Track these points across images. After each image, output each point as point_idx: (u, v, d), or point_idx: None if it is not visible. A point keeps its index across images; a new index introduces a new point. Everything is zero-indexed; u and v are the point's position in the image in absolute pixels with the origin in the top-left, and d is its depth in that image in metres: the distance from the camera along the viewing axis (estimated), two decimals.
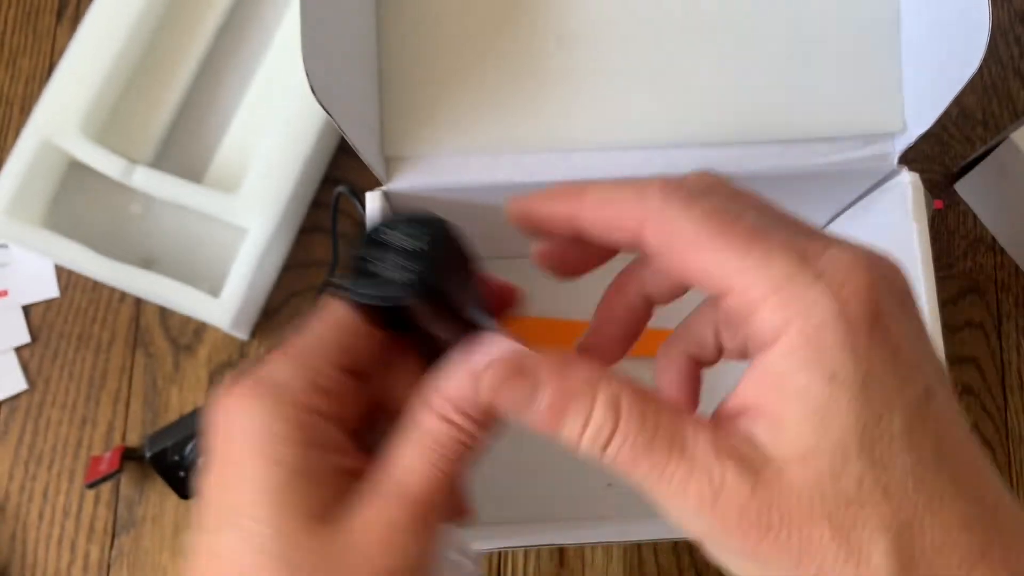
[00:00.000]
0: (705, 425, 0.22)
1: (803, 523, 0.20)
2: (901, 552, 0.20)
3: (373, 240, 0.23)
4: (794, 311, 0.21)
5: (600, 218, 0.25)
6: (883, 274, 0.22)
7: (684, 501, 0.21)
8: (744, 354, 0.26)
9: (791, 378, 0.21)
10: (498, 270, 0.58)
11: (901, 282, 0.23)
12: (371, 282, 0.23)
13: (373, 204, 0.44)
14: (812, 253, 0.22)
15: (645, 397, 0.22)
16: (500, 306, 0.28)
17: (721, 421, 0.22)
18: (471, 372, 0.24)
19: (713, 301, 0.27)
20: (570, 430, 0.23)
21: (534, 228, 0.27)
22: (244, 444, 0.23)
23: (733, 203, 0.24)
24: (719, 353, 0.28)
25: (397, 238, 0.23)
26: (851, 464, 0.20)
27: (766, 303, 0.21)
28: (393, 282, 0.23)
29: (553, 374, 0.23)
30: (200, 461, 0.30)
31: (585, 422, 0.22)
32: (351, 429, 0.25)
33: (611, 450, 0.22)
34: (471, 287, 0.25)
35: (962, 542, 0.20)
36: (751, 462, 0.21)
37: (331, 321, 0.25)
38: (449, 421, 0.24)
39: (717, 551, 0.22)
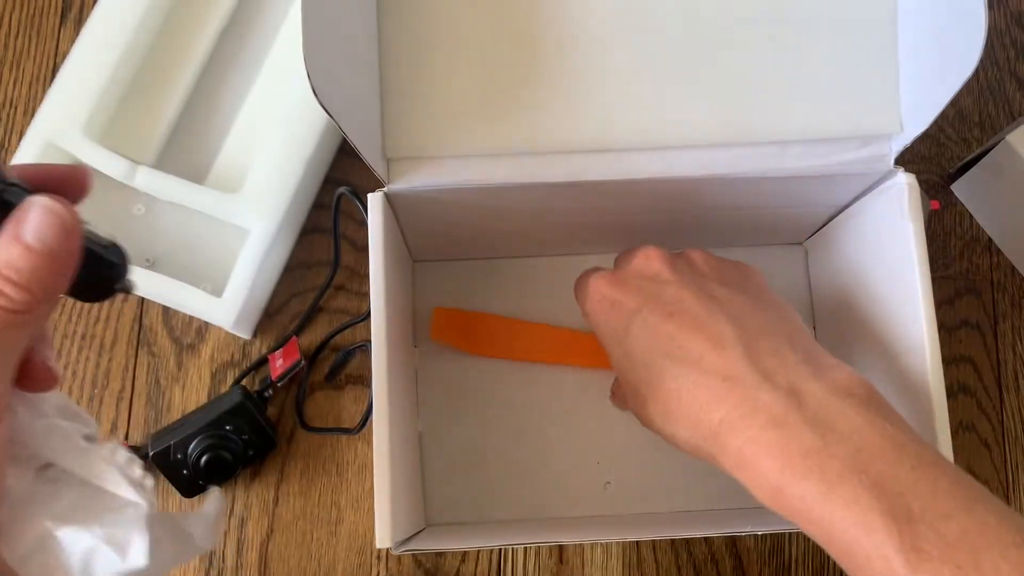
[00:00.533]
0: None
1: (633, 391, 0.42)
2: (656, 405, 0.39)
3: None
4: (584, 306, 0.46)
5: None
6: (618, 274, 0.44)
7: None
8: None
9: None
10: (499, 269, 0.59)
11: (637, 267, 0.44)
12: None
13: (375, 205, 0.44)
14: (586, 278, 0.46)
15: None
16: (65, 192, 0.28)
17: None
18: (11, 233, 0.25)
19: None
20: None
21: None
22: None
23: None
24: None
25: None
26: (622, 364, 0.42)
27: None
28: None
29: None
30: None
31: None
32: None
33: None
34: None
35: (684, 384, 0.38)
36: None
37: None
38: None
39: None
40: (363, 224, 0.60)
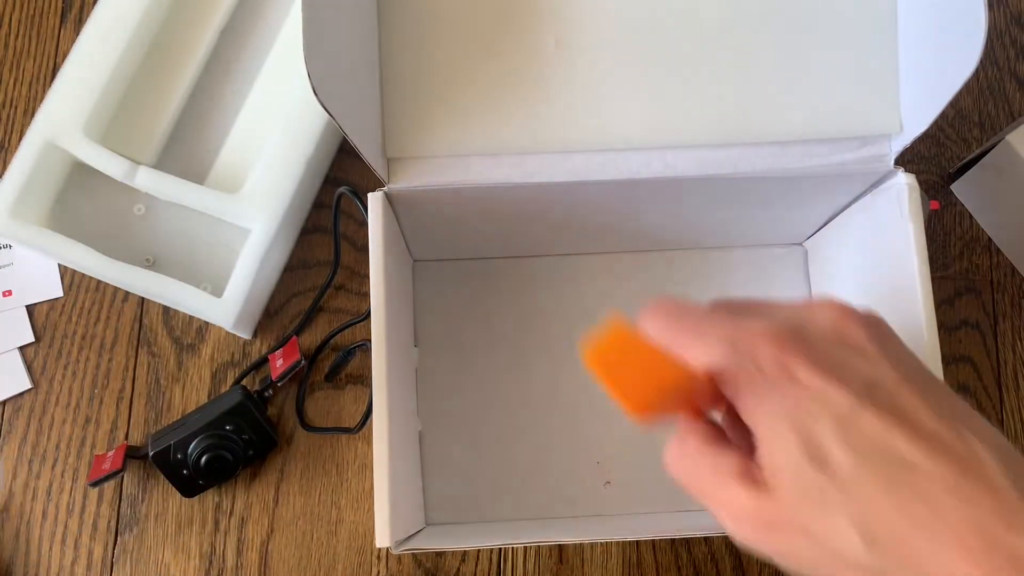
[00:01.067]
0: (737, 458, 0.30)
1: (794, 511, 0.28)
2: (863, 519, 0.27)
3: None
4: (731, 370, 0.29)
5: None
6: (794, 329, 0.29)
7: (722, 496, 0.29)
8: None
9: (751, 421, 0.29)
10: (499, 269, 0.59)
11: (823, 323, 0.30)
12: None
13: (375, 205, 0.44)
14: (736, 331, 0.30)
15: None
16: None
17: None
18: None
19: None
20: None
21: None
22: None
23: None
24: None
25: None
26: (807, 469, 0.27)
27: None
28: None
29: None
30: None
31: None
32: None
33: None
34: None
35: (915, 509, 0.26)
36: (755, 471, 0.29)
37: None
38: None
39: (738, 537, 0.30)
40: (363, 224, 0.60)
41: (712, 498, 0.30)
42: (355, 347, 0.58)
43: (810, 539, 0.27)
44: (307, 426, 0.57)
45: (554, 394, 0.56)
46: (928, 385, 0.29)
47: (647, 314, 0.31)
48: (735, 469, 0.29)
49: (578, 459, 0.55)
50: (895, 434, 0.27)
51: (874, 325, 0.30)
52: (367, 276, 0.59)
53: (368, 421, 0.56)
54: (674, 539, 0.56)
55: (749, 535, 0.29)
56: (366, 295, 0.59)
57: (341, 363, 0.58)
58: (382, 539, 0.40)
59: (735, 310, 0.31)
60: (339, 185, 0.60)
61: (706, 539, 0.56)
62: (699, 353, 0.30)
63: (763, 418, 0.28)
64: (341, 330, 0.58)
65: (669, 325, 0.31)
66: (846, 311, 0.30)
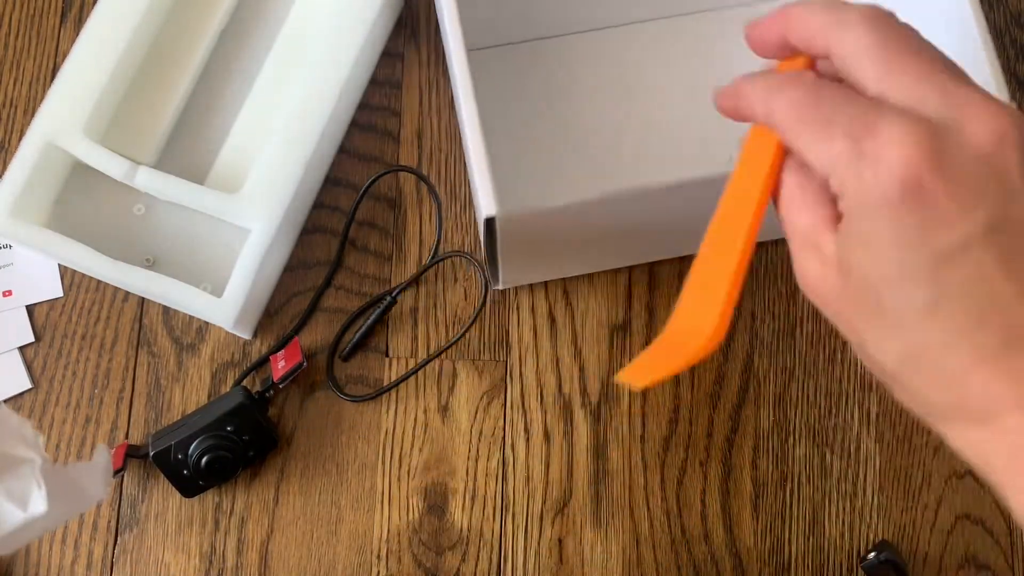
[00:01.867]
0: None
1: (863, 288, 0.28)
2: (919, 347, 0.27)
3: None
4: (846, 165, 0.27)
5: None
6: (938, 127, 0.26)
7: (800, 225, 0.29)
8: None
9: (855, 199, 0.27)
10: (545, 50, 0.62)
11: (980, 133, 0.26)
12: None
13: None
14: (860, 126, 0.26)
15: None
16: None
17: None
18: None
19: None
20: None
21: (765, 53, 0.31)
22: None
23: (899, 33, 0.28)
24: None
25: None
26: (894, 274, 0.27)
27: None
28: None
29: None
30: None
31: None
32: None
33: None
34: None
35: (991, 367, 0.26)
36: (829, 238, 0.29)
37: None
38: None
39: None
40: (362, 223, 0.60)
41: (791, 217, 0.29)
42: (383, 304, 0.57)
43: (885, 321, 0.27)
44: (343, 394, 0.57)
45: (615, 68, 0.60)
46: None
47: (779, 86, 0.29)
48: (814, 211, 0.28)
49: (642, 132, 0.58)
50: (1001, 287, 0.26)
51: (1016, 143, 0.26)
52: (367, 276, 0.60)
53: (391, 390, 0.57)
54: (674, 539, 0.56)
55: (819, 287, 0.29)
56: (366, 295, 0.59)
57: (367, 333, 0.57)
58: (488, 208, 0.42)
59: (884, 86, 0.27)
60: (340, 185, 0.61)
61: (706, 539, 0.56)
62: (818, 152, 0.27)
63: (868, 199, 0.26)
64: (365, 309, 0.58)
65: (801, 113, 0.28)
66: (1014, 125, 0.26)
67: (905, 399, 0.29)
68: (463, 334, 0.58)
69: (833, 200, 0.28)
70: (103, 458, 0.39)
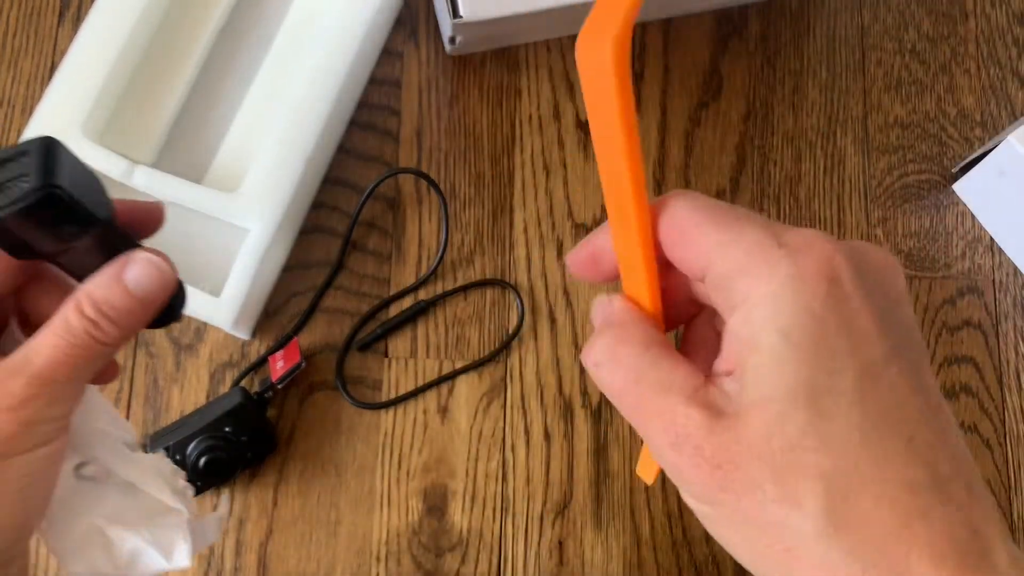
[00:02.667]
0: (691, 375, 0.24)
1: (748, 463, 0.22)
2: (833, 501, 0.21)
3: None
4: (757, 276, 0.23)
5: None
6: (851, 250, 0.23)
7: (657, 438, 0.24)
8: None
9: (753, 335, 0.23)
10: None
11: (877, 262, 0.24)
12: None
13: None
14: (780, 231, 0.23)
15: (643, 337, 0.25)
16: (144, 226, 0.33)
17: (711, 378, 0.24)
18: (115, 275, 0.29)
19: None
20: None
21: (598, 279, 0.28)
22: None
23: (716, 204, 0.25)
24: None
25: (10, 157, 0.25)
26: (798, 413, 0.22)
27: (738, 272, 0.23)
28: (10, 192, 0.24)
29: None
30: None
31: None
32: None
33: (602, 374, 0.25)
34: (100, 206, 0.27)
35: (903, 502, 0.21)
36: (716, 409, 0.23)
37: None
38: (85, 316, 0.28)
39: (682, 491, 0.24)
40: (362, 223, 0.60)
41: (646, 421, 0.24)
42: (413, 311, 0.58)
43: (755, 498, 0.22)
44: (353, 400, 0.56)
45: None
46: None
47: (679, 202, 0.25)
48: (696, 391, 0.23)
49: None
50: (914, 405, 0.22)
51: (905, 289, 0.25)
52: (367, 276, 0.59)
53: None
54: (675, 541, 0.55)
55: (682, 470, 0.23)
56: (366, 295, 0.59)
57: (382, 335, 0.58)
58: None
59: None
60: (339, 185, 0.60)
61: (707, 540, 0.56)
62: (724, 244, 0.24)
63: (772, 324, 0.22)
64: (379, 310, 0.58)
65: (697, 209, 0.24)
66: (896, 262, 0.25)
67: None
68: (502, 348, 0.58)
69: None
70: (225, 507, 0.40)
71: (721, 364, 0.24)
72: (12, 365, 0.27)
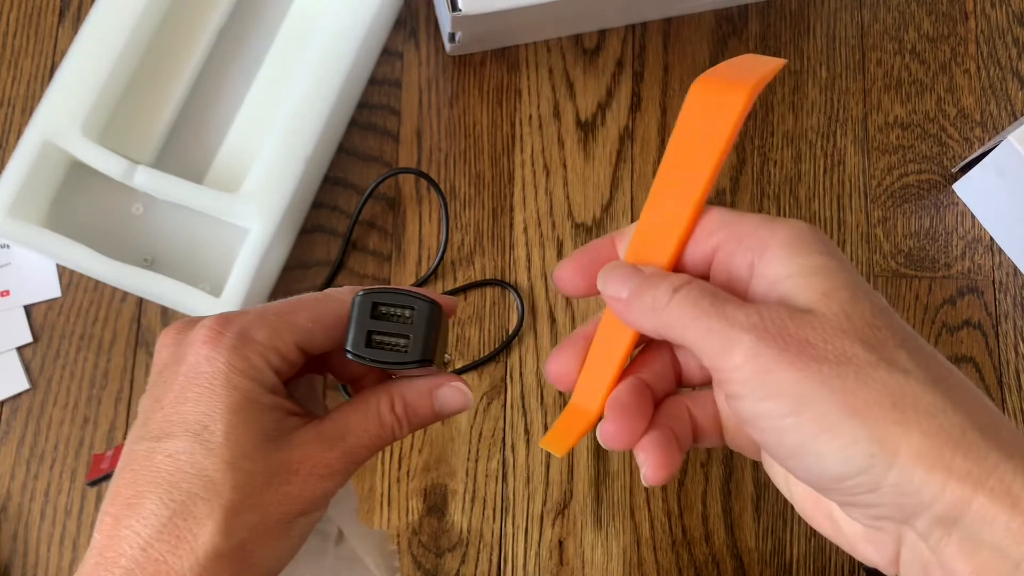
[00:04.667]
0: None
1: (834, 338, 0.25)
2: (921, 361, 0.26)
3: (375, 310, 0.30)
4: (772, 228, 0.28)
5: None
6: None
7: (742, 338, 0.26)
8: (707, 375, 0.31)
9: (791, 257, 0.27)
10: None
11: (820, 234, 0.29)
12: (379, 351, 0.30)
13: None
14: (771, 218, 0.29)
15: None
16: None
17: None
18: (429, 390, 0.32)
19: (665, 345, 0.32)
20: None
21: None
22: (208, 371, 0.29)
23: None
24: (677, 382, 0.32)
25: (394, 312, 0.30)
26: (862, 300, 0.26)
27: (755, 229, 0.28)
28: (397, 352, 0.30)
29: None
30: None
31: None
32: (285, 379, 0.31)
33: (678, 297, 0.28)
34: (441, 353, 0.32)
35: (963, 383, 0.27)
36: (790, 305, 0.26)
37: (317, 317, 0.31)
38: (395, 413, 0.32)
39: (758, 401, 0.26)
40: (362, 223, 0.60)
41: (734, 326, 0.26)
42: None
43: (856, 362, 0.25)
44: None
45: None
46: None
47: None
48: (757, 295, 0.28)
49: None
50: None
51: None
52: (366, 276, 0.59)
53: None
54: (675, 541, 0.55)
55: (776, 361, 0.26)
56: None
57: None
58: None
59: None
60: (339, 185, 0.60)
61: (707, 541, 0.56)
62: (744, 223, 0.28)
63: (795, 245, 0.28)
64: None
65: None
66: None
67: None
68: (502, 348, 0.58)
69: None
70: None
71: (760, 288, 0.28)
72: (329, 436, 0.30)
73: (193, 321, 0.32)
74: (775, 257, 0.27)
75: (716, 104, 0.26)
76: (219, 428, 0.29)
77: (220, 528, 0.28)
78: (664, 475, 0.29)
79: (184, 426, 0.29)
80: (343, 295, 0.32)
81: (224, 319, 0.31)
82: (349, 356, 0.30)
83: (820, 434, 0.25)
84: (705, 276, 0.29)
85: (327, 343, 0.32)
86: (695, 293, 0.27)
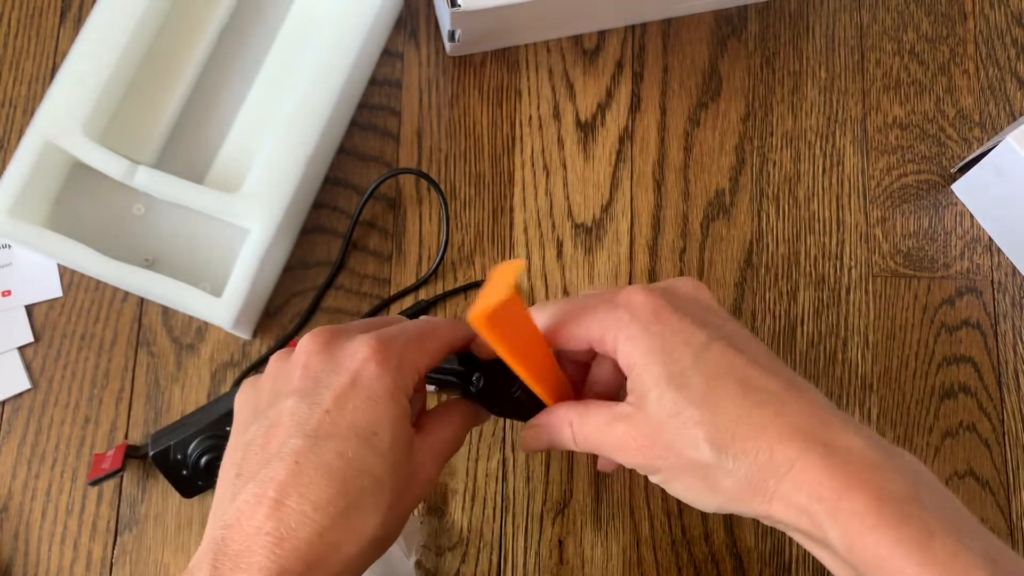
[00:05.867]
0: (607, 407, 0.37)
1: (658, 434, 0.35)
2: (715, 434, 0.33)
3: (471, 368, 0.40)
4: (615, 328, 0.36)
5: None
6: (663, 289, 0.37)
7: (610, 447, 0.37)
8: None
9: (625, 362, 0.36)
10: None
11: (684, 287, 0.38)
12: (487, 394, 0.40)
13: None
14: (611, 296, 0.37)
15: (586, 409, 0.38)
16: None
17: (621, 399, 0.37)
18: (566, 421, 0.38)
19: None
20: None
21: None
22: (377, 386, 0.34)
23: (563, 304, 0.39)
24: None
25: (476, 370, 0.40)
26: (667, 392, 0.34)
27: (601, 333, 0.37)
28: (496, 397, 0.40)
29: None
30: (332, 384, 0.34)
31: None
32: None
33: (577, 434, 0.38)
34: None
35: (755, 415, 0.33)
36: (628, 414, 0.36)
37: (446, 345, 0.38)
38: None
39: (646, 474, 0.37)
40: (362, 223, 0.60)
41: (605, 444, 0.37)
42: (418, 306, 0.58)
43: (674, 453, 0.34)
44: None
45: None
46: (756, 339, 0.37)
47: (539, 310, 0.38)
48: (610, 414, 0.36)
49: None
50: (739, 361, 0.35)
51: (715, 301, 0.39)
52: (367, 276, 0.59)
53: None
54: (674, 540, 0.56)
55: (633, 459, 0.36)
56: (366, 295, 0.59)
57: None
58: None
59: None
60: (340, 185, 0.60)
61: (707, 540, 0.56)
62: (589, 322, 0.37)
63: (635, 354, 0.35)
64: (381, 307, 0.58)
65: (560, 311, 0.38)
66: (701, 284, 0.39)
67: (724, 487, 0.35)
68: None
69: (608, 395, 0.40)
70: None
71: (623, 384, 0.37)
72: (436, 451, 0.38)
73: (340, 332, 0.36)
74: (621, 356, 0.36)
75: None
76: (387, 436, 0.34)
77: (382, 521, 0.33)
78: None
79: (354, 430, 0.33)
80: (460, 327, 0.39)
81: (384, 341, 0.35)
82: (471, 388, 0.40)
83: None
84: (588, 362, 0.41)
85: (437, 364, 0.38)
86: (572, 426, 0.39)
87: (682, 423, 0.34)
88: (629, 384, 0.36)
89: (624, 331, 0.36)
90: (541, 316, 0.38)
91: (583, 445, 0.38)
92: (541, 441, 0.40)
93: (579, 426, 0.37)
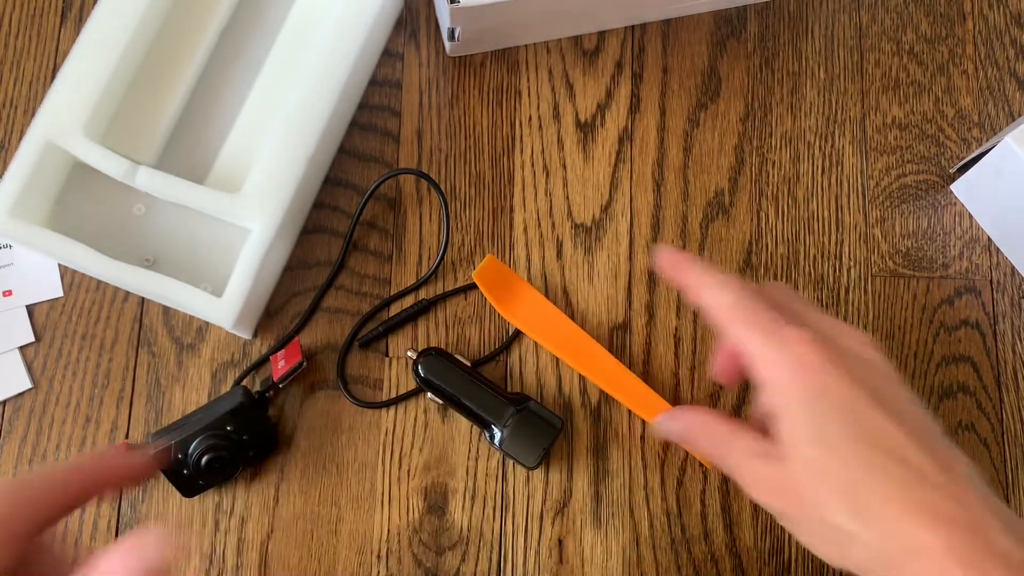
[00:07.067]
0: (752, 439, 0.38)
1: (796, 488, 0.35)
2: (852, 504, 0.34)
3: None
4: (771, 367, 0.37)
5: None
6: (833, 338, 0.37)
7: (743, 479, 0.38)
8: None
9: (779, 401, 0.36)
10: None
11: (850, 343, 0.38)
12: None
13: None
14: (782, 330, 0.37)
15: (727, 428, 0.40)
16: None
17: (765, 436, 0.38)
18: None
19: None
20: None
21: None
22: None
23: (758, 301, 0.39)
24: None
25: None
26: (818, 452, 0.35)
27: (755, 362, 0.37)
28: None
29: None
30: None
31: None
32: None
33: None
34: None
35: (902, 493, 0.33)
36: (770, 457, 0.36)
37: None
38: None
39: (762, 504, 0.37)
40: (362, 223, 0.60)
41: (742, 475, 0.38)
42: (413, 310, 0.58)
43: (810, 509, 0.35)
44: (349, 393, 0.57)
45: None
46: (919, 406, 0.37)
47: (723, 288, 0.39)
48: (756, 449, 0.37)
49: None
50: (896, 433, 0.34)
51: (887, 361, 0.38)
52: (367, 276, 0.60)
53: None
54: (674, 539, 0.56)
55: (765, 499, 0.37)
56: (366, 295, 0.59)
57: (380, 335, 0.58)
58: None
59: (781, 310, 0.38)
60: (340, 185, 0.61)
61: (706, 539, 0.56)
62: (749, 337, 0.37)
63: (790, 402, 0.36)
64: (380, 308, 0.58)
65: (740, 306, 0.38)
66: (868, 341, 0.38)
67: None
68: (502, 348, 0.58)
69: (760, 428, 0.38)
70: None
71: (765, 422, 0.38)
72: None
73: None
74: (770, 398, 0.37)
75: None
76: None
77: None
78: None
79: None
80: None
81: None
82: None
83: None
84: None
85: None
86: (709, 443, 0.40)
87: (825, 486, 0.34)
88: (777, 424, 0.36)
89: (783, 373, 0.36)
90: (724, 295, 0.38)
91: (717, 462, 0.39)
92: (672, 435, 0.42)
93: (724, 448, 0.39)
